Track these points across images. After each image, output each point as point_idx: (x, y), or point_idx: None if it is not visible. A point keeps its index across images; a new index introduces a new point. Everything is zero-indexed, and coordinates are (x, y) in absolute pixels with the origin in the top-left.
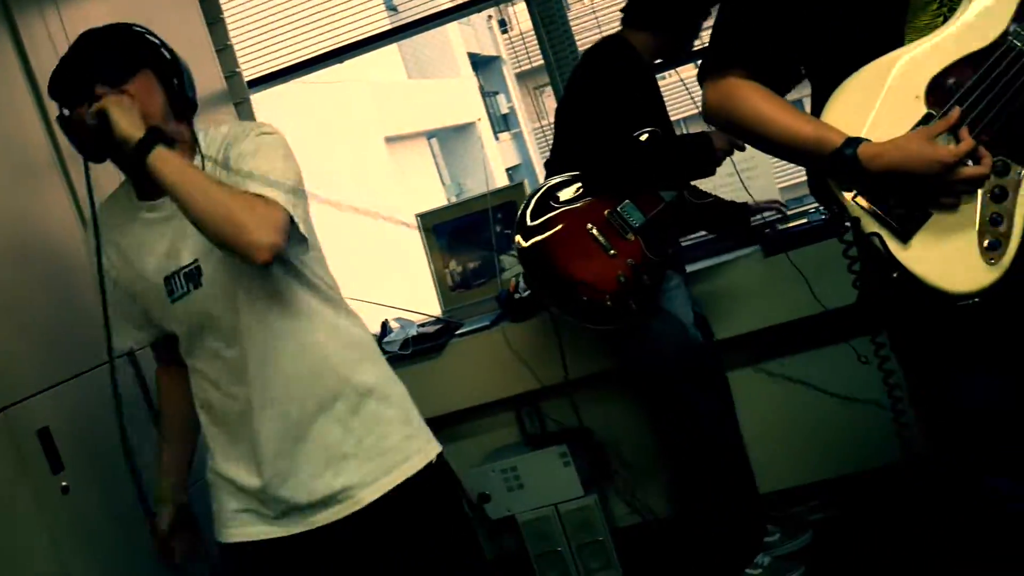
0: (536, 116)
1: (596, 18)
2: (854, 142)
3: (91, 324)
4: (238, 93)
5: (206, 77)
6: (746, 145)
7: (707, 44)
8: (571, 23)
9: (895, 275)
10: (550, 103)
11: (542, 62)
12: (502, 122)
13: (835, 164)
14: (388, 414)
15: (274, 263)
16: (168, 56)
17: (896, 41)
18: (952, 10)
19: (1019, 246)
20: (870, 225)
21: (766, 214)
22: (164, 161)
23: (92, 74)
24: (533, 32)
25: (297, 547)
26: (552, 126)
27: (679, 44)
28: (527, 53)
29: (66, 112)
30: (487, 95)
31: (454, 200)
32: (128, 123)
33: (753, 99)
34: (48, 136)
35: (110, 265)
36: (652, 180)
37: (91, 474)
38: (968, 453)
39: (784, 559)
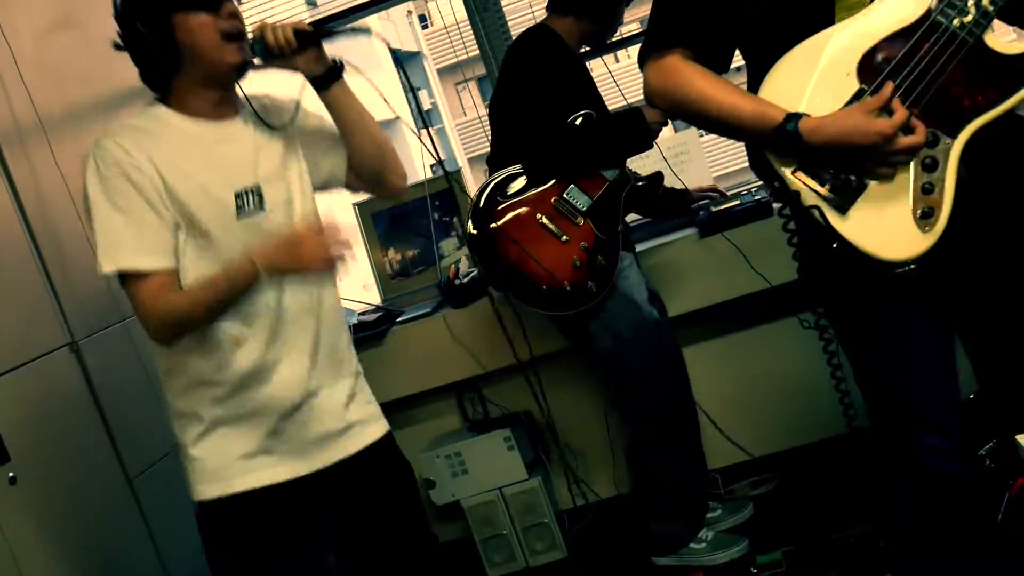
0: (460, 112)
1: (530, 5)
2: (795, 117)
3: (34, 314)
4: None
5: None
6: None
7: (646, 27)
8: (504, 11)
9: (835, 246)
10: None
11: (463, 57)
12: (426, 117)
13: (777, 138)
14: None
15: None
16: None
17: (827, 20)
18: None
19: (950, 213)
20: (809, 198)
21: (704, 200)
22: (348, 85)
23: None
24: (453, 28)
25: (305, 489)
26: (477, 121)
27: (602, 29)
28: (453, 46)
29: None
30: (409, 91)
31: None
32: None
33: (694, 78)
34: None
35: (158, 182)
36: (592, 161)
37: (38, 464)
38: (901, 413)
39: (726, 533)
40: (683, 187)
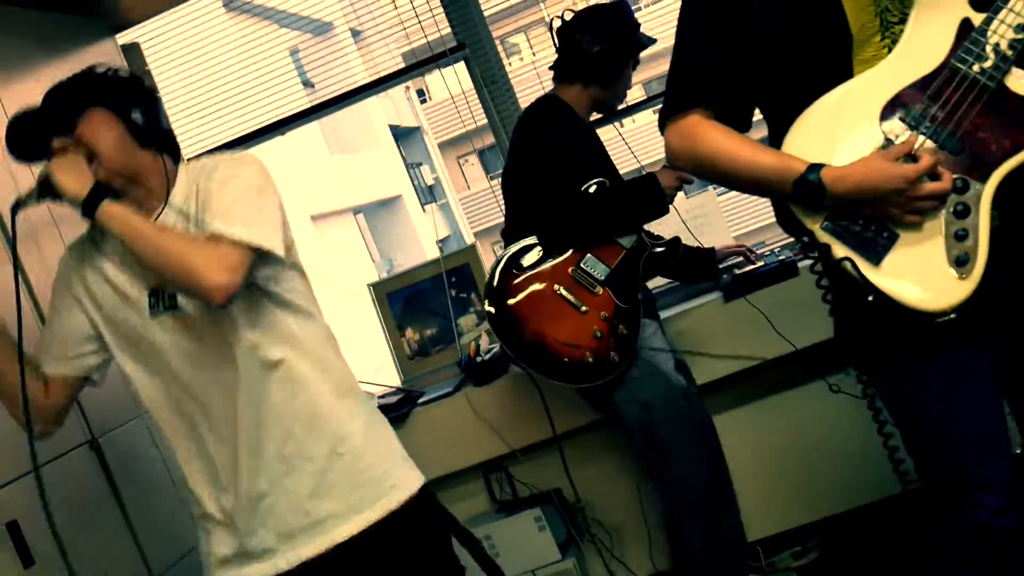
0: (464, 185)
1: (537, 73)
2: (817, 167)
3: None
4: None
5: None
6: (695, 184)
7: (664, 90)
8: (512, 83)
9: (870, 299)
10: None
11: (463, 130)
12: (428, 193)
13: (800, 190)
14: (372, 448)
15: (243, 296)
16: (125, 87)
17: (846, 74)
18: (895, 41)
19: (987, 259)
20: (840, 251)
21: (732, 260)
22: (111, 217)
23: (45, 128)
24: (451, 101)
25: None
26: (481, 194)
27: (611, 95)
28: (460, 118)
29: (19, 196)
30: (411, 167)
31: (384, 275)
32: (72, 182)
33: (714, 136)
34: None
35: (85, 297)
36: (608, 229)
37: (63, 567)
38: (951, 470)
39: None
40: (709, 247)
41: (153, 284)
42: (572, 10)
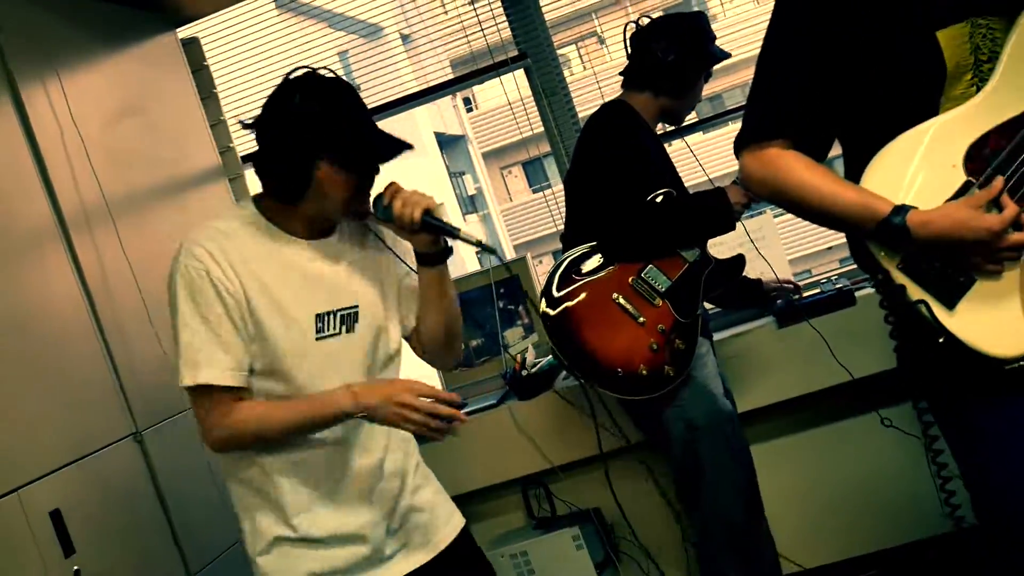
0: (505, 196)
1: (598, 85)
2: (902, 210)
3: (94, 405)
4: (232, 169)
5: (201, 152)
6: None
7: (743, 112)
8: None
9: (941, 341)
10: (514, 184)
11: (508, 141)
12: (469, 203)
13: (883, 231)
14: (434, 480)
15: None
16: None
17: (931, 110)
18: (984, 80)
19: None
20: (916, 292)
21: (776, 294)
22: (447, 269)
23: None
24: (498, 111)
25: None
26: (527, 205)
27: (680, 105)
28: (517, 126)
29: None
30: (454, 175)
31: None
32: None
33: (797, 169)
34: (50, 202)
35: (240, 294)
36: (672, 241)
37: (102, 557)
38: (1012, 516)
39: None
40: (756, 278)
41: (319, 309)
42: (649, 16)
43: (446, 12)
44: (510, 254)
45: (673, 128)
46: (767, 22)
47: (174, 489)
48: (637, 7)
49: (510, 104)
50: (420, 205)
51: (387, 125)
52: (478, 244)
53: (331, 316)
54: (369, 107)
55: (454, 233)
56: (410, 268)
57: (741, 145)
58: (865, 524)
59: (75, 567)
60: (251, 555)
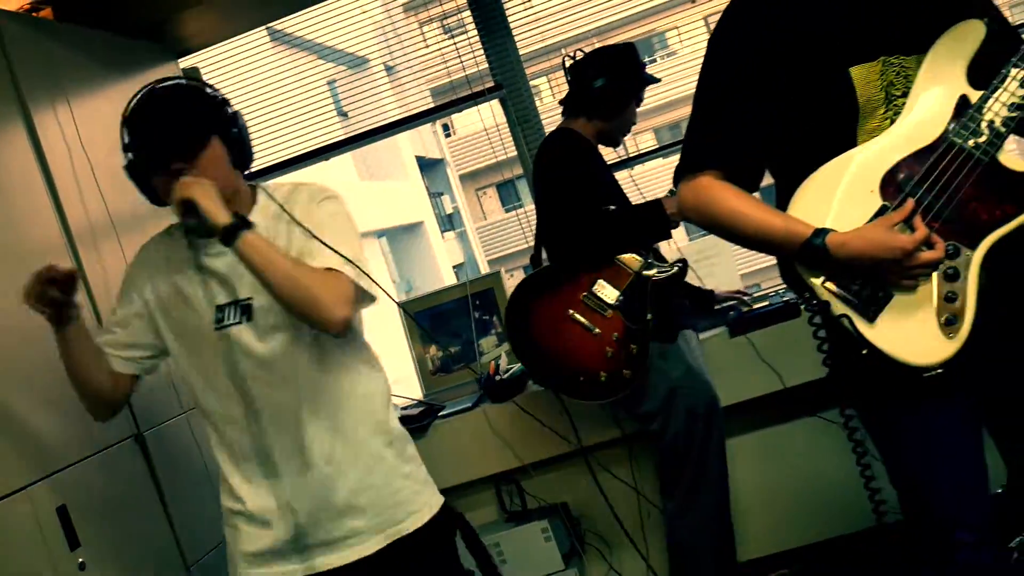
0: (480, 216)
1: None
2: (822, 232)
3: None
4: None
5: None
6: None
7: (681, 146)
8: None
9: (864, 352)
10: (489, 204)
11: (483, 164)
12: (447, 221)
13: (805, 253)
14: (403, 469)
15: None
16: (229, 111)
17: (850, 142)
18: (897, 114)
19: (973, 319)
20: (839, 308)
21: (729, 303)
22: (252, 247)
23: (167, 148)
24: (474, 136)
25: None
26: (499, 223)
27: (613, 128)
28: (492, 150)
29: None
30: (433, 195)
31: (404, 297)
32: (215, 210)
33: (727, 197)
34: (59, 220)
35: (150, 296)
36: (618, 247)
37: (105, 551)
38: (933, 510)
39: None
40: (709, 289)
41: (222, 300)
42: (582, 51)
43: (427, 45)
44: (484, 269)
45: (634, 155)
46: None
47: (173, 486)
48: (603, 39)
49: (486, 130)
50: (187, 185)
51: (371, 149)
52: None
53: (230, 308)
54: (356, 133)
55: (197, 216)
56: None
57: (678, 176)
58: (799, 519)
59: (79, 559)
60: None
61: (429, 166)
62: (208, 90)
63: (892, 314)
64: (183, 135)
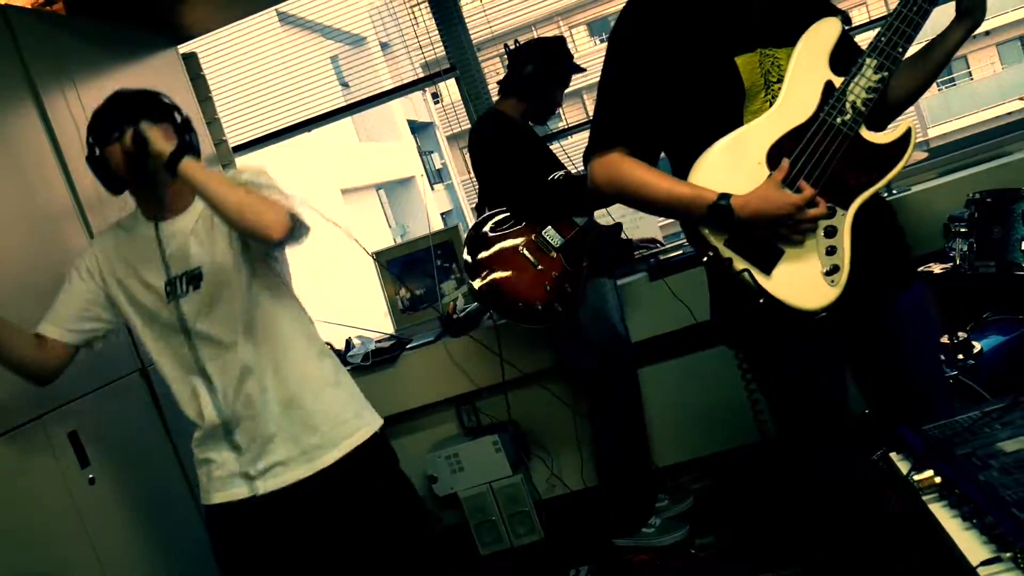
0: (464, 170)
1: None
2: (726, 196)
3: (110, 346)
4: (225, 157)
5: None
6: None
7: (590, 128)
8: (492, 95)
9: (761, 301)
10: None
11: (467, 127)
12: (437, 175)
13: (712, 214)
14: (342, 396)
15: (267, 257)
16: (181, 117)
17: (736, 122)
18: (775, 97)
19: (849, 268)
20: (739, 263)
21: (644, 247)
22: (192, 168)
23: (135, 113)
24: (459, 103)
25: (271, 505)
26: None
27: (540, 108)
28: (457, 119)
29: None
30: (424, 154)
31: (400, 240)
32: (162, 141)
33: (637, 170)
34: (69, 189)
35: (111, 281)
36: (567, 209)
37: (113, 468)
38: (805, 432)
39: (671, 520)
40: (627, 238)
41: (167, 276)
42: (518, 41)
43: (417, 24)
44: (468, 215)
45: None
46: None
47: (174, 411)
48: (568, 20)
49: (457, 101)
50: (128, 135)
51: (368, 114)
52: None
53: (179, 280)
54: (355, 101)
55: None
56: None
57: (590, 154)
58: (704, 433)
59: (90, 475)
60: None
61: (421, 128)
62: (164, 99)
63: (785, 267)
64: (146, 106)
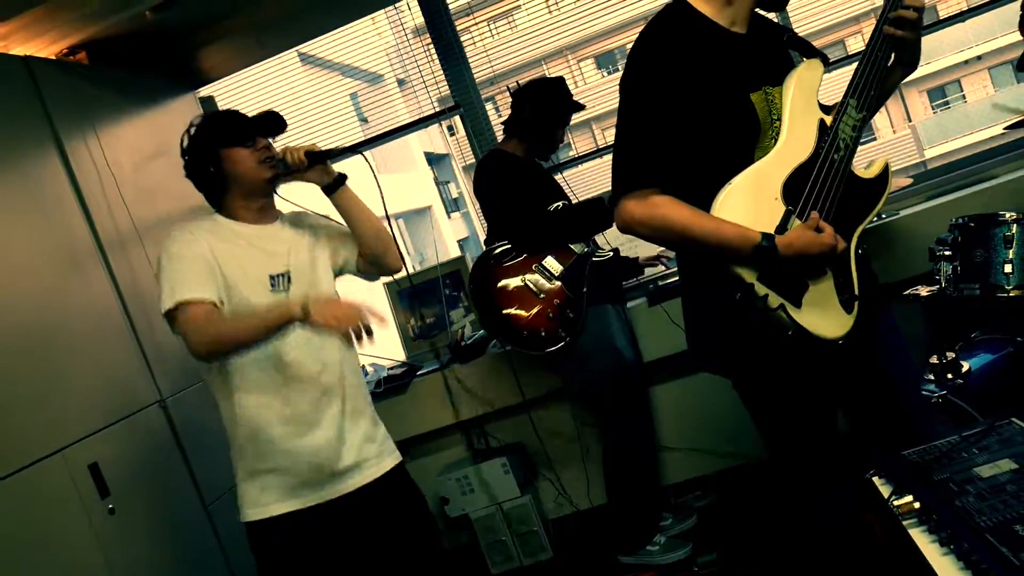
0: None
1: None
2: (770, 236)
3: (126, 380)
4: None
5: None
6: None
7: (614, 168)
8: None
9: (790, 333)
10: None
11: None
12: (453, 204)
13: (758, 253)
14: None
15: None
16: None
17: (748, 158)
18: (778, 134)
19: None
20: (775, 300)
21: (650, 268)
22: (349, 192)
23: (261, 131)
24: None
25: (328, 515)
26: None
27: (542, 146)
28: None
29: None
30: (440, 184)
31: (417, 267)
32: (330, 167)
33: (682, 210)
34: (91, 230)
35: (208, 252)
36: (565, 239)
37: (132, 498)
38: (800, 453)
39: (675, 538)
40: (634, 256)
41: (272, 271)
42: (519, 83)
43: (433, 61)
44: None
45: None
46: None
47: (193, 442)
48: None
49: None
50: (302, 149)
51: (387, 148)
52: (345, 151)
53: (280, 277)
54: (375, 135)
55: (331, 154)
56: (336, 222)
57: (622, 194)
58: (707, 452)
59: (110, 505)
60: None
61: (437, 160)
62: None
63: (810, 300)
64: (272, 124)
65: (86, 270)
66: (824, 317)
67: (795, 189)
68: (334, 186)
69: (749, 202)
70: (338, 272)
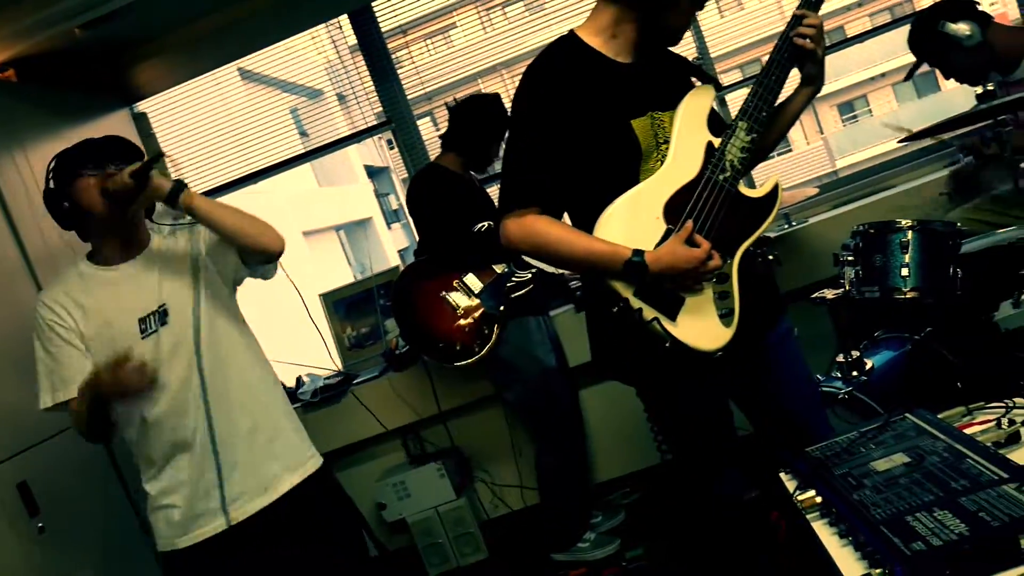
0: None
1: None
2: (640, 252)
3: None
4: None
5: None
6: None
7: (500, 189)
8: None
9: (667, 345)
10: None
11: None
12: (393, 215)
13: (628, 269)
14: (297, 431)
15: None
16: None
17: (633, 180)
18: (664, 157)
19: (741, 311)
20: (649, 312)
21: (574, 283)
22: (194, 194)
23: (106, 156)
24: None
25: (237, 536)
26: None
27: (479, 159)
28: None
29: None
30: (380, 196)
31: (358, 277)
32: (162, 179)
33: (555, 228)
34: (18, 247)
35: (72, 324)
36: (488, 258)
37: (64, 517)
38: (696, 457)
39: (604, 534)
40: (560, 273)
41: (141, 314)
42: (456, 99)
43: (366, 80)
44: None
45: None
46: None
47: (127, 458)
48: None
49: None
50: (126, 171)
51: (327, 161)
52: (155, 157)
53: (149, 318)
54: (312, 148)
55: (152, 162)
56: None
57: (503, 214)
58: (632, 451)
59: (39, 524)
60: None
61: (376, 173)
62: (130, 143)
63: (686, 313)
64: (115, 152)
65: (15, 286)
66: (700, 330)
67: (678, 209)
68: (175, 195)
69: (630, 221)
70: (236, 279)
